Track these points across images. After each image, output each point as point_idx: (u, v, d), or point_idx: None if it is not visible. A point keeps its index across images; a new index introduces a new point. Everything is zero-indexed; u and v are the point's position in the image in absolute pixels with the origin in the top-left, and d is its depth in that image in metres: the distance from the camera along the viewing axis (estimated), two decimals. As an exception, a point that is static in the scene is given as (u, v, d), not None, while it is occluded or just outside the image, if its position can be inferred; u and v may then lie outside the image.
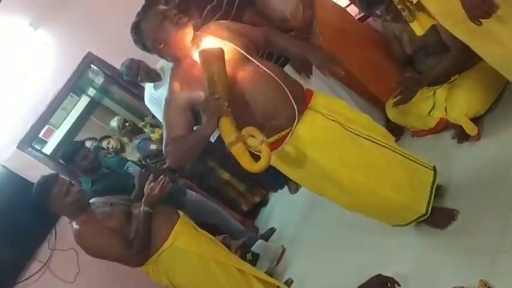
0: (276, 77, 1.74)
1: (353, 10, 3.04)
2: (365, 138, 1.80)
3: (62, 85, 3.72)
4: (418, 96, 2.41)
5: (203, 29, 1.89)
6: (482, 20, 1.56)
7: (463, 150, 2.30)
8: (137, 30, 1.84)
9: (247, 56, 1.76)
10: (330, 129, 1.79)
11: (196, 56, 1.73)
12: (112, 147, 3.84)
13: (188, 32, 1.78)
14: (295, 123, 1.76)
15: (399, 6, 1.86)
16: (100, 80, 4.75)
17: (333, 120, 1.80)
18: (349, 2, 2.97)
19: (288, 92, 1.74)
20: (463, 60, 2.18)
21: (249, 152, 1.70)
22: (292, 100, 1.74)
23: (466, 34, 1.76)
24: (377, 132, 1.89)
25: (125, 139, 4.09)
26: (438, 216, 1.92)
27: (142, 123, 4.03)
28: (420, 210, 1.86)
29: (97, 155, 3.49)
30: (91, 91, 5.19)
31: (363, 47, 2.54)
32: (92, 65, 3.88)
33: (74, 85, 3.97)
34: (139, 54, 2.13)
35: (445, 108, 2.25)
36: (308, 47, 2.14)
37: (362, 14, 2.99)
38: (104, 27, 3.74)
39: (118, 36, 3.70)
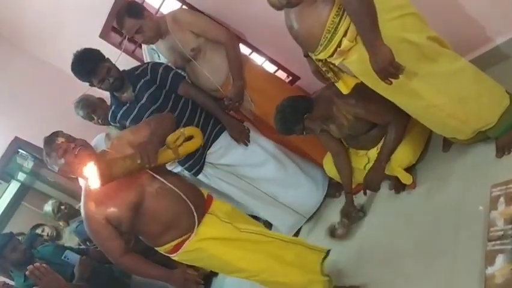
0: (178, 191, 1.99)
1: (282, 74, 3.15)
2: (253, 233, 2.17)
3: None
4: (352, 153, 2.52)
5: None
6: (401, 77, 1.68)
7: (401, 199, 2.38)
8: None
9: (153, 174, 1.96)
10: (224, 229, 2.12)
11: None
12: (48, 235, 3.59)
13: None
14: (196, 226, 2.04)
15: (323, 68, 1.95)
16: (29, 164, 4.54)
17: (227, 222, 2.13)
18: (276, 68, 3.08)
19: (190, 203, 2.01)
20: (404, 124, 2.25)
21: None
22: (194, 211, 2.01)
23: (388, 91, 1.87)
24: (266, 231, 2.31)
25: (61, 224, 3.84)
26: None
27: (79, 203, 3.82)
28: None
29: (30, 245, 3.25)
30: (21, 175, 4.94)
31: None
32: (20, 150, 3.71)
33: (2, 171, 3.77)
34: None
35: (380, 161, 2.33)
36: (226, 121, 2.78)
37: (291, 78, 3.12)
38: (30, 109, 3.63)
39: (45, 117, 3.63)
